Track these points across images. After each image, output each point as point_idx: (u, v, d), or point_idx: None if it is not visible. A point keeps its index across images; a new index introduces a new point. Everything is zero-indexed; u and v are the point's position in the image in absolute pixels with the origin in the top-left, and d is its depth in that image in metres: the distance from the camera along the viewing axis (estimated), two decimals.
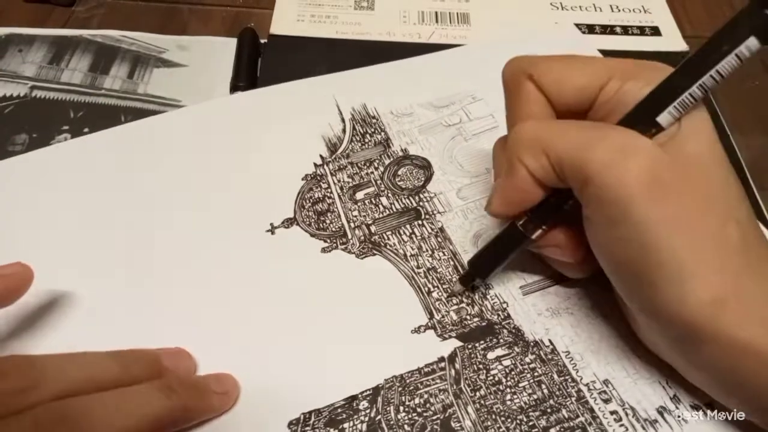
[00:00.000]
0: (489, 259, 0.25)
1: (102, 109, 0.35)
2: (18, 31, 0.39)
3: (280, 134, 0.33)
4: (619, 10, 0.42)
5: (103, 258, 0.27)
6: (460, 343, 0.25)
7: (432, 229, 0.29)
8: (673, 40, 0.40)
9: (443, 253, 0.28)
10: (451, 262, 0.27)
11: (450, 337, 0.25)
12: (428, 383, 0.24)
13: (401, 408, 0.23)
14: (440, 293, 0.26)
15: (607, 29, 0.41)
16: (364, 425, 0.23)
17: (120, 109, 0.35)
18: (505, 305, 0.26)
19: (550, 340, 0.25)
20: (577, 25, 0.40)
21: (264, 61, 0.38)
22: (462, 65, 0.36)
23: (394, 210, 0.29)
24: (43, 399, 0.19)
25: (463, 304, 0.26)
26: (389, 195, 0.30)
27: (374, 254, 0.28)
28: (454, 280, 0.27)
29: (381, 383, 0.24)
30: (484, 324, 0.26)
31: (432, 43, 0.39)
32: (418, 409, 0.23)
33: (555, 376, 0.24)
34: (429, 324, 0.25)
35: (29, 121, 0.34)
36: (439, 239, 0.28)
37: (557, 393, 0.24)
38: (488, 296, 0.26)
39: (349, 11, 0.41)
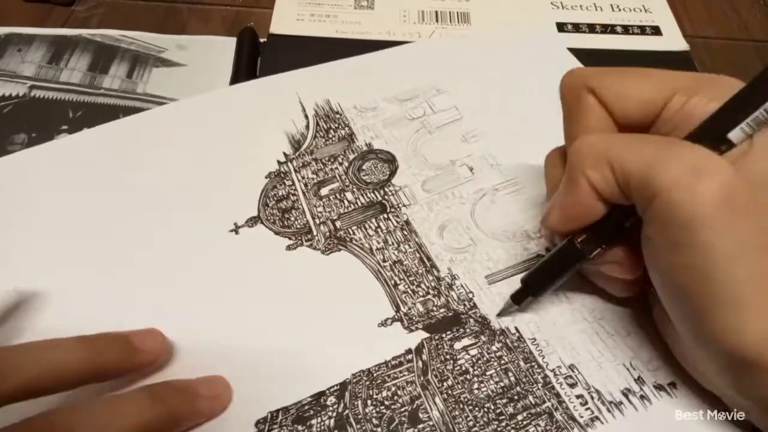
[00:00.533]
0: (544, 277, 0.24)
1: (101, 109, 0.35)
2: (17, 31, 0.39)
3: (243, 132, 0.32)
4: (620, 10, 0.42)
5: (73, 251, 0.27)
6: (427, 335, 0.25)
7: (397, 222, 0.29)
8: (673, 40, 0.40)
9: (409, 245, 0.28)
10: (417, 255, 0.27)
11: (417, 328, 0.25)
12: (396, 376, 0.24)
13: (369, 402, 0.23)
14: (406, 286, 0.26)
15: (608, 28, 0.41)
16: (332, 421, 0.23)
17: (119, 108, 0.35)
18: (471, 295, 0.26)
19: (516, 328, 0.25)
20: (577, 24, 0.41)
21: (263, 61, 0.38)
22: (425, 58, 0.37)
23: (359, 204, 0.29)
24: (7, 391, 0.19)
25: (429, 296, 0.26)
26: (354, 190, 0.30)
27: (340, 249, 0.28)
28: (420, 272, 0.27)
29: (348, 378, 0.24)
30: (450, 314, 0.26)
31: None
32: (386, 402, 0.23)
33: (521, 363, 0.24)
34: (395, 317, 0.25)
35: (28, 120, 0.34)
36: (405, 232, 0.28)
37: (524, 380, 0.24)
38: (454, 286, 0.26)
39: (349, 10, 0.41)
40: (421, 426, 0.23)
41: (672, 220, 0.19)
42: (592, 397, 0.23)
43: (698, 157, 0.19)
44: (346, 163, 0.31)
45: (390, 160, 0.31)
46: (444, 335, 0.25)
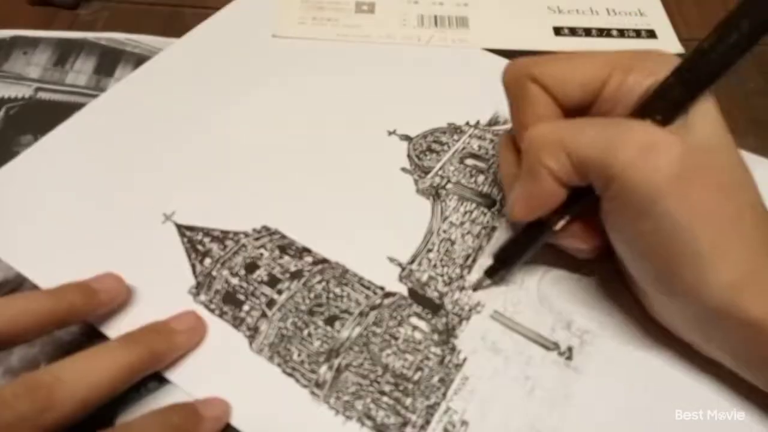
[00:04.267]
0: (513, 251, 0.26)
1: None
2: (23, 34, 0.39)
3: (463, 87, 0.36)
4: (616, 13, 0.42)
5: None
6: (404, 296, 0.27)
7: (487, 222, 0.29)
8: (668, 43, 0.40)
9: (473, 242, 0.29)
10: (467, 252, 0.28)
11: (405, 285, 0.27)
12: (356, 289, 0.27)
13: (321, 285, 0.27)
14: (435, 258, 0.28)
15: (604, 32, 0.41)
16: (294, 267, 0.27)
17: None
18: (466, 308, 0.26)
19: (466, 358, 0.25)
20: (574, 28, 0.41)
21: None
22: None
23: (479, 189, 0.31)
24: None
25: (439, 279, 0.27)
26: (489, 178, 0.31)
27: (428, 199, 0.30)
28: (457, 262, 0.28)
29: (330, 260, 0.28)
30: (437, 302, 0.27)
31: (431, 47, 0.39)
32: (330, 296, 0.27)
33: (435, 379, 0.24)
34: (402, 265, 0.28)
35: (34, 122, 0.34)
36: (483, 232, 0.29)
37: (420, 387, 0.24)
38: (464, 293, 0.27)
39: (350, 14, 0.41)
40: (327, 328, 0.26)
41: (631, 197, 0.20)
42: None
43: (647, 135, 0.20)
44: None
45: None
46: (414, 306, 0.26)
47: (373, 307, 0.26)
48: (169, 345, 0.24)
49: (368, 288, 0.27)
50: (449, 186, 0.31)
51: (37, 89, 0.36)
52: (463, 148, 0.33)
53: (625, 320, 0.26)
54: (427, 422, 0.23)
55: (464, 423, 0.23)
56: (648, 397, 0.24)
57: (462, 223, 0.30)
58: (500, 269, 0.27)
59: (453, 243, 0.29)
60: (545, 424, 0.23)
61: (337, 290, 0.27)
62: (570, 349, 0.25)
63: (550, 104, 0.23)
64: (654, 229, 0.21)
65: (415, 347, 0.25)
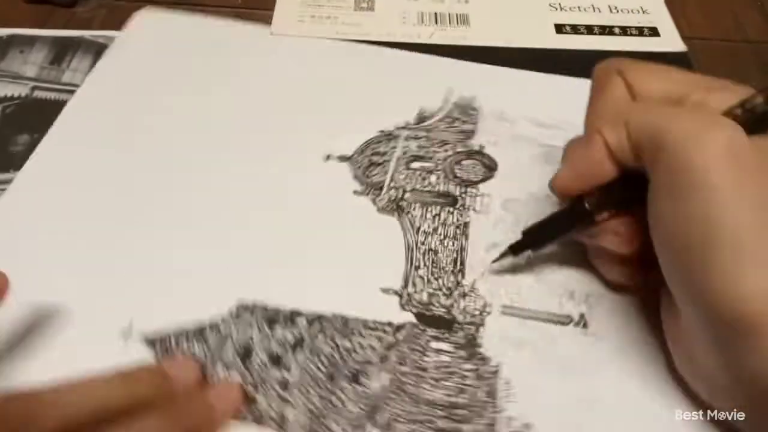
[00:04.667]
0: (545, 231, 0.26)
1: None
2: (19, 32, 0.39)
3: (385, 91, 0.35)
4: (618, 11, 0.42)
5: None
6: (414, 322, 0.26)
7: (457, 221, 0.29)
8: (671, 41, 0.40)
9: (453, 244, 0.28)
10: (454, 255, 0.28)
11: (410, 311, 0.26)
12: (364, 336, 0.25)
13: (329, 341, 0.25)
14: (426, 273, 0.27)
15: (606, 30, 0.41)
16: (292, 336, 0.25)
17: None
18: (477, 312, 0.26)
19: (499, 363, 0.25)
20: (575, 26, 0.41)
21: None
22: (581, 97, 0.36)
23: (436, 190, 0.30)
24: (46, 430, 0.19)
25: (439, 292, 0.27)
26: (441, 176, 0.31)
27: (392, 215, 0.29)
28: (447, 270, 0.27)
29: (326, 313, 0.26)
30: (447, 317, 0.26)
31: (431, 44, 0.39)
32: (342, 352, 0.25)
33: (480, 394, 0.24)
34: (399, 292, 0.27)
35: (31, 121, 0.34)
36: (458, 231, 0.29)
37: (472, 408, 0.23)
38: (468, 298, 0.26)
39: (350, 12, 0.41)
40: (357, 387, 0.24)
41: (677, 167, 0.19)
42: None
43: (707, 115, 0.20)
44: (450, 152, 0.32)
45: (490, 167, 0.31)
46: (428, 330, 0.25)
47: (389, 347, 0.25)
48: (210, 427, 0.22)
49: (376, 329, 0.26)
50: (407, 196, 0.30)
51: (34, 88, 0.36)
52: (405, 153, 0.32)
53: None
54: None
55: (527, 426, 0.23)
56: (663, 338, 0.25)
57: (435, 229, 0.29)
58: (528, 248, 0.26)
59: (436, 252, 0.28)
60: (588, 395, 0.24)
61: (347, 343, 0.25)
62: (582, 316, 0.26)
63: (628, 96, 0.23)
64: (694, 212, 0.19)
65: (448, 371, 0.24)
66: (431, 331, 0.26)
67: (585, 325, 0.26)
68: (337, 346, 0.25)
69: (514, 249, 0.26)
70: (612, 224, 0.24)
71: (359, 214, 0.29)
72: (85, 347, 0.24)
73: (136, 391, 0.21)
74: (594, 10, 0.42)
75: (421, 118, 0.34)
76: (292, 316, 0.26)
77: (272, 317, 0.26)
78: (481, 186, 0.31)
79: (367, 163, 0.31)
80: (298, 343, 0.25)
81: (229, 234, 0.28)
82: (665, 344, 0.24)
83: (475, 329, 0.26)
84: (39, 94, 0.36)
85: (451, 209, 0.30)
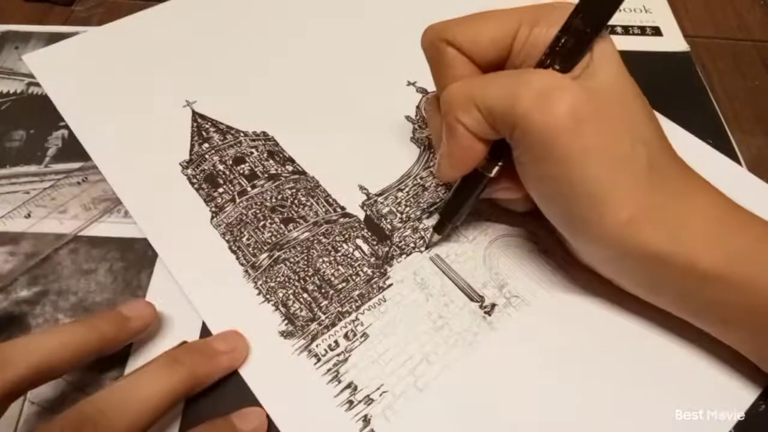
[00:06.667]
0: (455, 205, 0.27)
1: None
2: (14, 29, 0.39)
3: None
4: (620, 10, 0.37)
5: None
6: (360, 220, 0.29)
7: None
8: (674, 40, 0.40)
9: (443, 193, 0.30)
10: (433, 201, 0.30)
11: (365, 212, 0.29)
12: (320, 203, 0.29)
13: (294, 191, 0.30)
14: (406, 196, 0.29)
15: (608, 29, 0.33)
16: (274, 170, 0.30)
17: None
18: (417, 250, 0.28)
19: (392, 285, 0.26)
20: None
21: None
22: None
23: None
24: (19, 373, 0.20)
25: (399, 215, 0.29)
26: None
27: (418, 147, 0.32)
28: (421, 206, 0.29)
29: (310, 173, 0.30)
30: (387, 233, 0.28)
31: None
32: (295, 201, 0.29)
33: (355, 293, 0.26)
34: (369, 195, 0.30)
35: (26, 117, 0.34)
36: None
37: (340, 296, 0.26)
38: (419, 233, 0.28)
39: None
40: (281, 226, 0.28)
41: (531, 141, 0.21)
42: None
43: (544, 82, 0.21)
44: None
45: None
46: (364, 231, 0.28)
47: (327, 221, 0.29)
48: (212, 367, 0.24)
49: (331, 205, 0.29)
50: None
51: (29, 84, 0.36)
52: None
53: (557, 297, 0.26)
54: (333, 324, 0.25)
55: (365, 335, 0.25)
56: (540, 372, 0.24)
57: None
58: (446, 224, 0.27)
59: (425, 189, 0.30)
60: (439, 359, 0.24)
61: (303, 199, 0.29)
62: (493, 306, 0.26)
63: (467, 64, 0.24)
64: (555, 174, 0.21)
65: (350, 263, 0.27)
66: (366, 233, 0.28)
67: (489, 313, 0.26)
68: (296, 197, 0.29)
69: (438, 228, 0.28)
70: (503, 179, 0.25)
71: (396, 132, 0.33)
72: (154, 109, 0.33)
73: (100, 332, 0.23)
74: None
75: None
76: (286, 160, 0.31)
77: (275, 152, 0.31)
78: None
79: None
80: (274, 177, 0.30)
81: (292, 87, 0.34)
82: (537, 385, 0.24)
83: (398, 253, 0.27)
84: (34, 90, 0.36)
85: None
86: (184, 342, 0.24)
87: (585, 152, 0.21)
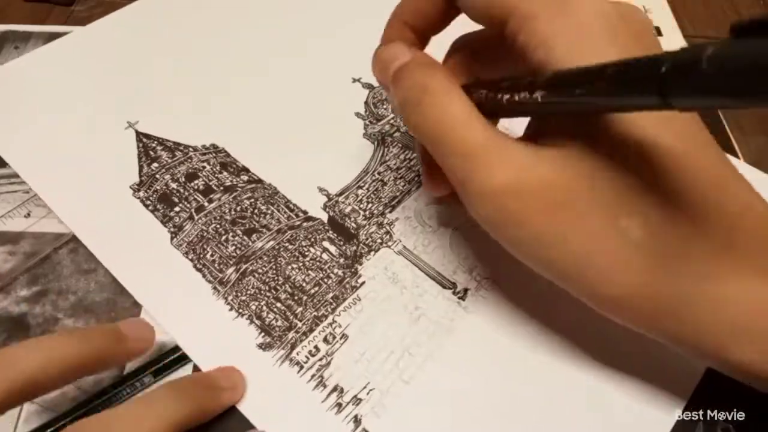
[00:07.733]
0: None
1: None
2: (14, 28, 0.39)
3: None
4: None
5: None
6: (324, 222, 0.28)
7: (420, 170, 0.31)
8: (673, 40, 0.40)
9: (403, 186, 0.30)
10: (396, 194, 0.30)
11: (328, 213, 0.29)
12: (281, 210, 0.29)
13: (252, 200, 0.29)
14: (366, 193, 0.29)
15: None
16: (229, 182, 0.30)
17: None
18: (384, 246, 0.28)
19: (364, 284, 0.26)
20: None
21: None
22: None
23: None
24: (9, 389, 0.19)
25: (362, 213, 0.29)
26: None
27: (372, 143, 0.32)
28: (383, 201, 0.29)
29: (266, 181, 0.30)
30: (353, 231, 0.28)
31: None
32: (255, 210, 0.29)
33: (329, 296, 0.26)
34: (330, 196, 0.29)
35: None
36: (416, 179, 0.30)
37: (314, 302, 0.26)
38: (384, 228, 0.28)
39: None
40: (244, 238, 0.28)
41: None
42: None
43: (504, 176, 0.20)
44: None
45: None
46: (329, 233, 0.28)
47: (291, 227, 0.28)
48: (216, 403, 0.23)
49: (292, 210, 0.29)
50: (397, 135, 0.32)
51: None
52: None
53: (526, 271, 0.26)
54: (311, 330, 0.25)
55: (344, 336, 0.25)
56: (520, 348, 0.25)
57: (398, 168, 0.31)
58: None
59: (384, 184, 0.30)
60: (420, 350, 0.25)
61: (263, 208, 0.29)
62: (466, 290, 0.26)
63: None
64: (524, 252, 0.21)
65: (320, 266, 0.27)
66: (331, 234, 0.28)
67: (462, 297, 0.26)
68: (256, 206, 0.29)
69: None
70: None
71: (347, 130, 0.32)
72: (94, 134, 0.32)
73: (89, 341, 0.21)
74: None
75: None
76: (240, 170, 0.30)
77: (227, 164, 0.31)
78: None
79: (384, 97, 0.34)
80: (230, 189, 0.30)
81: (236, 94, 0.34)
82: (516, 357, 0.25)
83: (367, 251, 0.27)
84: None
85: None
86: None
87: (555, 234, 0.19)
